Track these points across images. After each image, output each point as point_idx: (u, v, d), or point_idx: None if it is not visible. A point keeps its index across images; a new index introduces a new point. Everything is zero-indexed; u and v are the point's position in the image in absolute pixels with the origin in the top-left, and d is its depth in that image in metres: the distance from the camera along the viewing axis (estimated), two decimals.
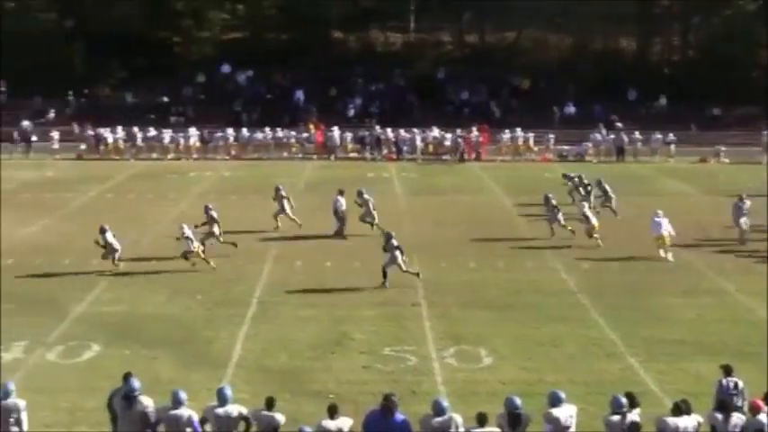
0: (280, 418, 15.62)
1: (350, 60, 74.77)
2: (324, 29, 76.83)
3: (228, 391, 15.85)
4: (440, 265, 31.09)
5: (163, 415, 15.45)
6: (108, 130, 60.59)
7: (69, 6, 74.90)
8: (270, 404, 15.69)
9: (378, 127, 61.56)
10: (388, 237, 28.73)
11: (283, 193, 36.91)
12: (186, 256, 30.33)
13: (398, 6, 78.80)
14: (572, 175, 42.77)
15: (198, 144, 60.19)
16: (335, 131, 60.38)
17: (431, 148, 60.07)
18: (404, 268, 28.35)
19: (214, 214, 32.56)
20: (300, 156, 59.72)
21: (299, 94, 70.31)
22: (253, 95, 71.47)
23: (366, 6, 78.49)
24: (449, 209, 39.07)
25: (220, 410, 15.51)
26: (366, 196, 36.34)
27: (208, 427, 15.49)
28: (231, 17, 77.41)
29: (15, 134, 61.55)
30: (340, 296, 27.42)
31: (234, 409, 15.58)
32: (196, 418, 15.39)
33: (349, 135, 60.97)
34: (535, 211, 38.69)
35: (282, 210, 36.58)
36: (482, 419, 15.20)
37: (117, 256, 30.13)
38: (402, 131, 60.45)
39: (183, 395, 15.60)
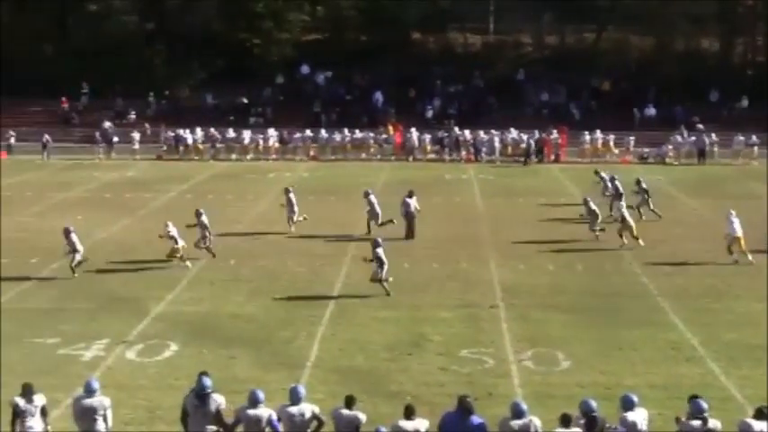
0: (362, 416, 15.58)
1: (429, 61, 74.72)
2: (403, 30, 76.87)
3: (302, 390, 15.83)
4: (518, 267, 30.88)
5: (241, 414, 15.48)
6: (188, 131, 61.17)
7: (150, 9, 75.78)
8: (350, 402, 15.64)
9: (456, 128, 61.39)
10: (376, 245, 27.79)
11: (292, 196, 36.75)
12: (173, 254, 30.74)
13: (478, 7, 78.58)
14: (604, 175, 42.65)
15: (277, 145, 60.53)
16: (414, 133, 60.30)
17: (509, 149, 59.71)
18: (378, 276, 27.47)
19: (205, 220, 31.86)
20: (378, 157, 59.75)
21: (378, 96, 70.38)
22: (331, 96, 71.67)
23: (445, 7, 78.34)
24: (527, 211, 38.81)
25: (293, 409, 15.50)
26: (372, 198, 36.18)
27: (281, 426, 15.49)
28: (311, 18, 77.76)
29: (97, 135, 62.43)
30: (417, 297, 27.32)
31: (306, 408, 15.56)
32: (276, 417, 15.40)
33: (427, 136, 60.83)
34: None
35: (292, 211, 36.42)
36: (566, 420, 15.04)
37: (78, 258, 29.83)
38: (481, 133, 60.23)
39: (261, 395, 15.62)
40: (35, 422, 15.99)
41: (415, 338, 23.58)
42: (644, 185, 38.99)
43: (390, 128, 62.59)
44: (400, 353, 22.57)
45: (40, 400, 16.15)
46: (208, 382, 15.78)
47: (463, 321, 25.06)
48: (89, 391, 15.93)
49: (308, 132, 61.35)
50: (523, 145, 59.01)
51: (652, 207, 38.56)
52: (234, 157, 59.68)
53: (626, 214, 34.00)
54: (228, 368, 21.32)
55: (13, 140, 61.99)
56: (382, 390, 20.08)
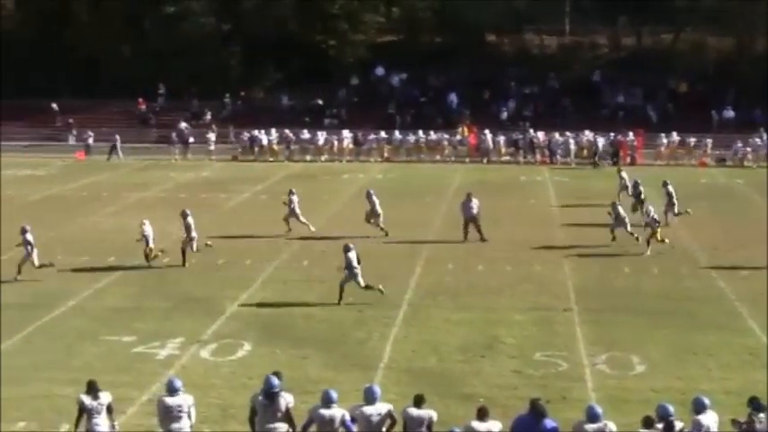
0: (433, 414, 15.52)
1: (504, 63, 74.40)
2: (478, 31, 76.61)
3: (377, 390, 15.80)
4: (593, 269, 30.61)
5: (314, 414, 15.48)
6: (263, 131, 61.48)
7: (227, 10, 76.33)
8: (419, 401, 15.58)
9: (531, 130, 61.02)
10: (346, 249, 27.01)
11: (294, 198, 36.61)
12: (147, 256, 30.89)
13: (554, 9, 78.06)
14: (625, 175, 42.29)
15: (351, 146, 60.65)
16: (488, 135, 60.03)
17: (585, 152, 59.19)
18: (362, 284, 26.85)
19: (191, 221, 31.39)
20: (453, 159, 59.59)
21: (453, 97, 70.22)
22: (406, 98, 71.65)
23: (520, 9, 77.90)
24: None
25: (368, 409, 15.47)
26: (374, 198, 36.03)
27: (355, 426, 15.47)
28: (386, 20, 77.79)
29: (173, 135, 63.00)
30: (491, 300, 27.19)
31: (382, 408, 15.52)
32: (349, 417, 15.38)
33: (502, 138, 60.45)
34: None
35: (293, 213, 36.32)
36: (648, 423, 14.87)
37: (33, 257, 29.69)
38: (556, 135, 59.75)
39: (334, 395, 15.61)
40: (101, 420, 16.10)
41: (489, 341, 23.46)
42: (669, 189, 38.41)
43: (465, 129, 62.39)
44: (473, 355, 22.48)
45: (106, 397, 16.26)
46: (275, 381, 15.81)
47: (537, 324, 24.89)
48: (172, 390, 16.03)
49: (383, 134, 61.40)
50: (599, 147, 58.43)
51: (677, 211, 37.91)
52: (308, 158, 59.90)
53: (656, 217, 33.37)
54: (301, 368, 21.38)
55: (91, 141, 62.80)
56: (454, 392, 19.99)
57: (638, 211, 37.13)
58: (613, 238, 33.96)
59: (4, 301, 26.94)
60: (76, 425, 16.21)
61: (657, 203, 36.70)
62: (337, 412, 15.41)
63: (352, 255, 26.72)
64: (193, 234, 31.26)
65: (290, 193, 36.83)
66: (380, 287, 26.91)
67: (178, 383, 16.17)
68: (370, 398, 15.58)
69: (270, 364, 20.35)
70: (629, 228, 33.90)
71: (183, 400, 16.03)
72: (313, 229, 36.23)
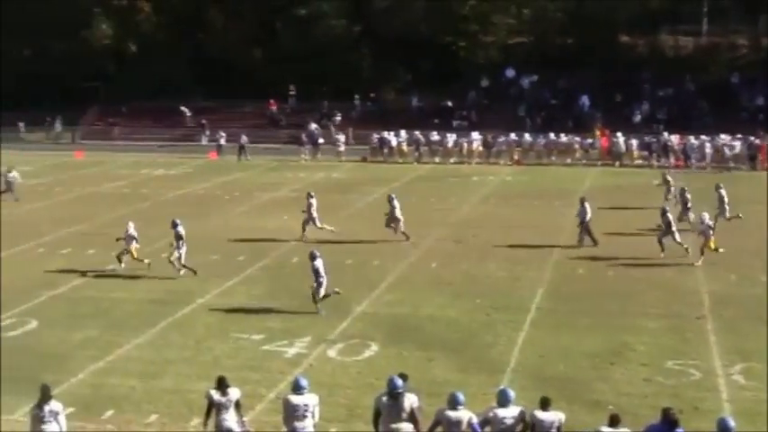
0: (562, 416, 15.32)
1: (638, 64, 73.21)
2: (611, 32, 75.53)
3: (510, 393, 15.63)
4: (729, 277, 29.83)
5: (441, 416, 15.39)
6: (392, 133, 61.63)
7: (357, 12, 76.79)
8: (545, 404, 15.38)
9: (665, 133, 59.91)
10: (312, 257, 26.50)
11: (313, 201, 36.03)
12: (120, 257, 30.66)
13: (691, 9, 76.57)
14: (670, 178, 41.47)
15: (481, 148, 60.39)
16: (621, 137, 59.14)
17: (720, 155, 57.80)
18: (320, 294, 26.21)
19: (181, 231, 30.18)
20: (584, 162, 58.88)
21: (585, 99, 69.49)
22: (537, 100, 71.16)
23: (656, 9, 76.59)
24: (739, 219, 37.43)
25: (501, 412, 15.32)
26: (395, 203, 35.43)
27: (487, 429, 15.32)
28: (516, 21, 77.33)
29: (303, 136, 63.59)
30: (621, 305, 26.70)
31: (515, 411, 15.35)
32: (476, 420, 15.26)
33: (635, 141, 59.47)
34: None
35: (310, 218, 35.69)
36: None
37: (182, 251, 29.91)
38: (691, 138, 58.51)
39: (461, 397, 15.49)
40: (229, 415, 16.28)
41: (618, 347, 23.04)
42: (722, 192, 37.17)
43: (597, 132, 61.63)
44: (602, 361, 22.10)
45: (234, 393, 16.42)
46: (399, 381, 15.76)
47: (668, 331, 24.35)
48: (298, 389, 16.10)
49: (513, 136, 61.00)
50: (736, 151, 57.09)
51: (728, 216, 36.72)
52: (437, 159, 59.85)
53: (710, 225, 32.14)
54: (427, 370, 21.30)
55: (223, 141, 63.76)
56: (582, 398, 19.67)
57: (683, 220, 35.87)
58: (662, 249, 32.45)
59: (139, 297, 27.47)
60: (206, 419, 16.41)
61: (696, 209, 35.69)
62: (464, 414, 15.29)
63: (318, 262, 26.24)
64: (180, 245, 30.06)
65: (309, 196, 36.37)
66: (336, 289, 26.49)
67: (304, 382, 16.22)
68: (503, 400, 15.44)
69: (396, 365, 20.32)
70: (677, 237, 32.55)
71: (309, 399, 16.08)
72: (332, 229, 35.75)
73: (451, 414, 15.30)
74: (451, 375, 21.00)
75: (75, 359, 22.40)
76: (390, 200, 35.74)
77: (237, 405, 16.43)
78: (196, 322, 25.35)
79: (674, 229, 32.57)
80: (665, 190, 41.20)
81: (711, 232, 31.76)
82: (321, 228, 35.54)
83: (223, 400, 16.30)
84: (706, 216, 32.55)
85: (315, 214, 35.73)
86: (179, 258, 29.75)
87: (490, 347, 23.20)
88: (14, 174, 45.73)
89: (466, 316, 25.74)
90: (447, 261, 32.00)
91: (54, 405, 15.94)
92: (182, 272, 29.72)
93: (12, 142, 72.25)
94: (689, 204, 36.92)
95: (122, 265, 30.65)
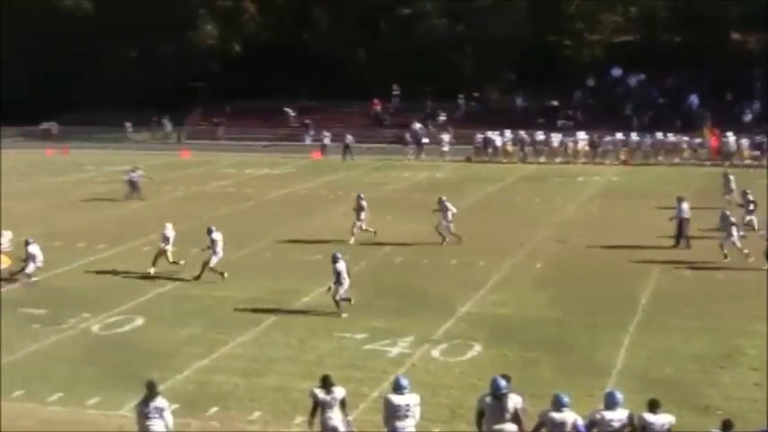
0: (672, 418, 15.05)
1: (748, 62, 71.62)
2: (721, 30, 74.03)
3: (618, 396, 15.35)
4: None
5: (545, 418, 15.20)
6: (497, 133, 61.33)
7: (460, 11, 76.60)
8: (654, 406, 15.08)
9: None
10: (334, 259, 26.18)
11: (363, 203, 35.66)
12: (156, 259, 30.62)
13: None
14: (732, 177, 40.57)
15: (586, 148, 59.76)
16: (731, 137, 57.99)
17: None
18: (337, 297, 25.96)
19: (215, 237, 30.02)
20: (692, 162, 57.85)
21: (693, 99, 68.39)
22: (644, 99, 70.23)
23: None
24: None
25: (609, 414, 15.07)
26: (447, 204, 34.70)
27: (594, 431, 15.08)
28: (623, 19, 76.38)
29: (407, 136, 63.60)
30: (731, 308, 26.09)
31: (623, 414, 15.09)
32: (581, 422, 15.04)
33: (745, 141, 58.22)
34: None
35: (358, 218, 35.36)
36: None
37: (32, 269, 29.74)
38: None
39: (566, 398, 15.28)
40: (334, 413, 16.26)
41: (728, 351, 22.53)
42: (750, 197, 35.93)
43: (706, 132, 60.53)
44: (711, 365, 21.63)
45: (339, 392, 16.40)
46: (503, 382, 15.60)
47: None
48: (399, 389, 16.03)
49: (619, 136, 60.25)
50: None
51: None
52: (542, 159, 59.42)
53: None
54: (531, 371, 21.08)
55: (327, 141, 64.07)
56: (690, 402, 19.25)
57: (748, 223, 34.70)
58: (725, 256, 31.40)
59: (243, 296, 27.67)
60: (311, 418, 16.41)
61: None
62: (569, 416, 15.08)
63: (340, 265, 26.01)
64: (216, 250, 30.22)
65: (359, 198, 35.91)
66: (351, 298, 26.24)
67: (405, 382, 16.15)
68: (610, 403, 15.19)
69: (500, 365, 20.16)
70: (738, 241, 31.48)
71: (410, 398, 16.00)
72: (373, 230, 35.29)
73: (556, 415, 15.10)
74: (556, 377, 20.74)
75: (181, 356, 22.66)
76: (441, 202, 35.14)
77: (342, 404, 16.42)
78: (299, 321, 25.46)
79: (734, 231, 31.58)
80: (725, 189, 40.27)
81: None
82: (365, 230, 35.28)
83: (328, 398, 16.30)
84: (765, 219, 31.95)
85: (363, 215, 35.41)
86: (211, 262, 29.68)
87: (595, 349, 22.88)
88: (139, 173, 46.38)
89: (571, 317, 25.41)
90: (551, 261, 31.70)
91: (159, 401, 16.08)
92: (214, 274, 29.64)
93: (118, 142, 73.84)
94: (752, 207, 35.85)
95: (153, 269, 30.61)
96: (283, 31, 79.29)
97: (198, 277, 29.61)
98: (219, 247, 29.77)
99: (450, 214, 34.65)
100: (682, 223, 33.78)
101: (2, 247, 30.98)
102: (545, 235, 36.02)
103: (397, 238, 35.08)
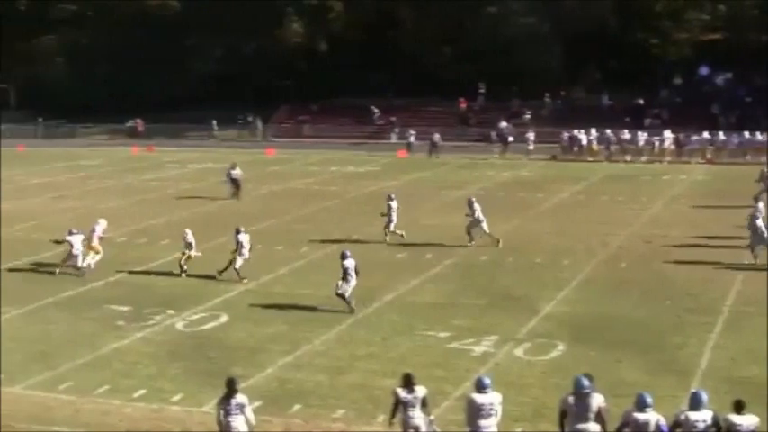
0: (756, 419, 14.83)
1: None
2: None
3: (703, 396, 15.13)
4: None
5: (628, 417, 15.07)
6: (582, 131, 60.91)
7: (547, 10, 76.16)
8: (740, 407, 14.86)
9: None
10: (343, 256, 26.09)
11: (393, 204, 35.33)
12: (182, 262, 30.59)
13: None
14: None
15: (672, 147, 59.06)
16: None
17: None
18: (339, 291, 25.95)
19: (241, 238, 29.95)
20: None
21: None
22: (731, 98, 69.22)
23: None
24: None
25: (693, 415, 14.89)
26: (476, 206, 34.02)
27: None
28: (710, 18, 75.33)
29: (493, 134, 63.43)
30: None
31: (707, 414, 14.90)
32: (664, 422, 14.88)
33: None
34: None
35: (390, 220, 35.05)
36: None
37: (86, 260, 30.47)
38: None
39: (649, 398, 15.12)
40: (416, 412, 16.26)
41: None
42: None
43: None
44: None
45: (421, 390, 16.39)
46: (586, 381, 15.47)
47: None
48: (481, 388, 15.98)
49: (706, 135, 59.47)
50: None
51: None
52: (628, 158, 58.85)
53: None
54: (615, 371, 20.90)
55: (412, 139, 64.11)
56: None
57: None
58: (755, 256, 30.72)
59: (326, 293, 27.74)
60: (392, 416, 16.43)
61: None
62: (652, 416, 14.93)
63: (348, 262, 25.92)
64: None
65: (390, 198, 35.55)
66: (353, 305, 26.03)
67: (487, 381, 16.09)
68: (695, 403, 14.99)
69: (583, 365, 19.98)
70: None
71: (492, 397, 15.95)
72: (402, 233, 34.68)
73: (639, 416, 14.96)
74: (639, 377, 20.55)
75: (264, 353, 22.83)
76: (470, 203, 34.51)
77: (424, 402, 16.41)
78: (383, 319, 25.52)
79: (764, 235, 30.85)
80: (762, 188, 39.49)
81: None
82: (393, 232, 34.96)
83: (410, 397, 16.29)
84: None
85: (393, 217, 34.96)
86: (236, 263, 29.76)
87: (680, 349, 22.64)
88: (237, 170, 46.68)
89: (655, 317, 25.17)
90: (636, 261, 31.40)
91: (240, 398, 16.18)
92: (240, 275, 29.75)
93: (203, 140, 74.67)
94: None
95: (184, 274, 30.75)
96: (369, 29, 79.47)
97: (222, 272, 29.88)
98: (246, 249, 29.83)
99: (480, 214, 34.01)
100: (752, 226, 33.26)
101: (96, 234, 31.65)
102: (630, 234, 35.68)
103: (481, 237, 34.98)
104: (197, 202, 45.12)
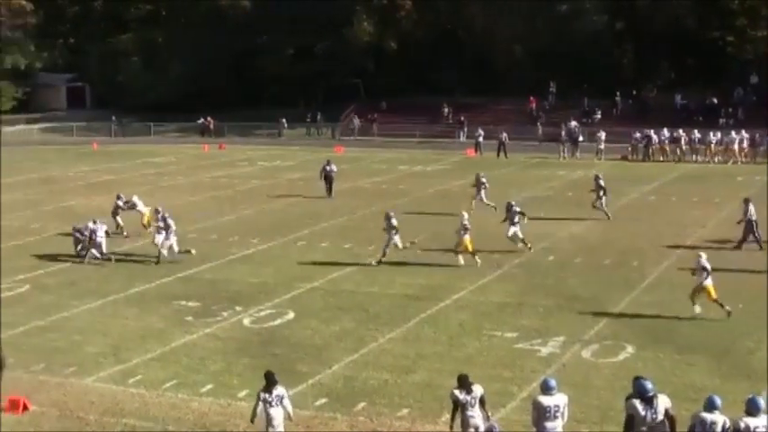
0: None
1: None
2: None
3: (761, 402, 14.83)
4: None
5: (695, 419, 14.84)
6: (654, 131, 60.22)
7: (620, 8, 75.55)
8: None
9: None
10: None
11: (484, 180, 40.21)
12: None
13: None
14: None
15: (747, 147, 58.15)
16: None
17: None
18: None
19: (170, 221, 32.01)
20: None
21: None
22: None
23: None
24: None
25: (751, 421, 14.64)
26: (517, 207, 33.42)
27: None
28: None
29: (563, 134, 62.93)
30: None
31: (759, 422, 14.63)
32: (729, 424, 14.64)
33: None
34: None
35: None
36: None
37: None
38: None
39: (718, 400, 14.87)
40: (475, 412, 16.19)
41: None
42: None
43: None
44: None
45: (478, 390, 16.30)
46: (649, 384, 15.24)
47: None
48: (547, 390, 15.85)
49: None
50: None
51: None
52: (700, 159, 58.05)
53: None
54: (685, 375, 20.61)
55: (481, 138, 63.84)
56: None
57: None
58: None
59: (393, 291, 27.73)
60: (453, 418, 16.36)
61: None
62: (719, 418, 14.70)
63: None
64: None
65: (389, 217, 32.66)
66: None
67: (553, 383, 15.94)
68: (753, 409, 14.73)
69: (652, 368, 19.76)
70: None
71: (559, 399, 15.81)
72: (402, 246, 32.17)
73: (706, 416, 14.74)
74: (710, 381, 20.22)
75: (330, 351, 22.84)
76: (511, 207, 33.50)
77: (482, 401, 16.32)
78: (450, 318, 25.41)
79: None
80: None
81: None
82: (403, 246, 32.41)
83: (468, 398, 16.23)
84: None
85: (393, 233, 31.77)
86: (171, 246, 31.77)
87: (752, 354, 22.24)
88: (333, 167, 46.47)
89: (727, 320, 24.70)
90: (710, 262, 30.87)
91: (280, 390, 16.65)
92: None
93: (273, 138, 75.16)
94: None
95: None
96: (439, 28, 79.37)
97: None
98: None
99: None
100: (750, 225, 32.97)
101: (139, 207, 34.17)
102: (702, 236, 35.16)
103: (550, 237, 34.74)
104: (265, 199, 45.35)
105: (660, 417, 15.11)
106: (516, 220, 33.04)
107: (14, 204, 43.22)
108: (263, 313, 26.08)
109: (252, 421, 16.90)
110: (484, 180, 40.60)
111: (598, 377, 20.81)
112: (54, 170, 57.59)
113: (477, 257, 30.47)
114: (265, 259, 32.37)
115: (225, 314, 25.97)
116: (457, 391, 16.28)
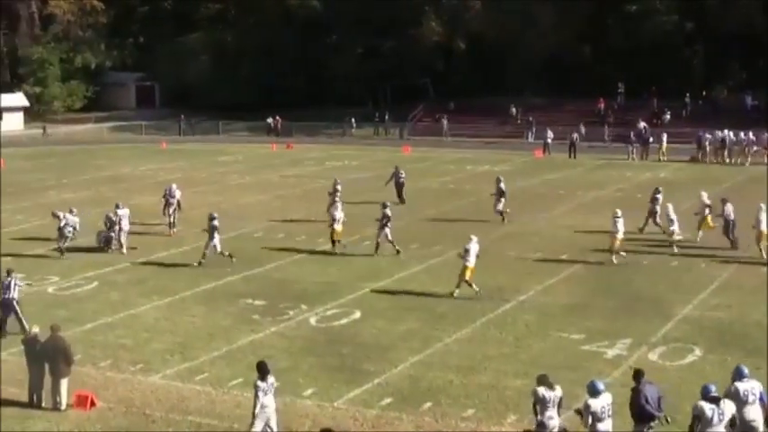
0: None
1: None
2: None
3: (745, 369, 15.52)
4: None
5: (729, 391, 15.52)
6: (724, 133, 59.48)
7: (691, 9, 74.79)
8: None
9: None
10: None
11: (502, 186, 38.21)
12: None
13: None
14: None
15: None
16: None
17: None
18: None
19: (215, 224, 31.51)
20: None
21: None
22: None
23: None
24: None
25: (741, 385, 14.97)
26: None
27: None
28: None
29: (632, 135, 62.41)
30: None
31: (748, 385, 14.77)
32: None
33: None
34: None
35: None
36: None
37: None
38: None
39: (746, 369, 15.96)
40: (554, 412, 16.37)
41: None
42: None
43: None
44: None
45: (559, 390, 16.44)
46: (712, 387, 15.43)
47: None
48: (595, 392, 15.93)
49: None
50: None
51: None
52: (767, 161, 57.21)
53: None
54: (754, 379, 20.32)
55: (549, 139, 63.53)
56: None
57: None
58: None
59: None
60: (535, 411, 16.51)
61: None
62: (754, 384, 15.05)
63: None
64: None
65: (384, 207, 33.36)
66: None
67: (601, 386, 16.08)
68: (740, 376, 15.23)
69: (720, 371, 19.57)
70: None
71: (606, 399, 16.04)
72: (397, 250, 32.74)
73: (740, 385, 15.66)
74: None
75: (396, 350, 22.90)
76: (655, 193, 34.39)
77: (559, 403, 16.42)
78: (516, 319, 25.36)
79: None
80: None
81: None
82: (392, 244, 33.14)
83: (551, 395, 16.39)
84: None
85: (387, 234, 32.74)
86: (215, 247, 31.39)
87: None
88: (402, 173, 45.02)
89: None
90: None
91: (272, 379, 17.38)
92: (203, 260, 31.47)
93: (340, 137, 75.41)
94: None
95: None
96: (507, 28, 79.16)
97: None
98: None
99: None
100: (727, 225, 33.16)
101: (177, 198, 36.08)
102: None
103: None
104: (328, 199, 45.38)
105: (727, 421, 15.11)
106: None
107: (84, 202, 43.73)
108: (329, 312, 26.19)
109: (254, 414, 17.13)
110: (502, 185, 38.64)
111: (665, 380, 20.52)
112: (123, 168, 58.23)
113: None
114: (331, 258, 32.48)
115: (291, 313, 26.12)
116: (541, 388, 16.30)
